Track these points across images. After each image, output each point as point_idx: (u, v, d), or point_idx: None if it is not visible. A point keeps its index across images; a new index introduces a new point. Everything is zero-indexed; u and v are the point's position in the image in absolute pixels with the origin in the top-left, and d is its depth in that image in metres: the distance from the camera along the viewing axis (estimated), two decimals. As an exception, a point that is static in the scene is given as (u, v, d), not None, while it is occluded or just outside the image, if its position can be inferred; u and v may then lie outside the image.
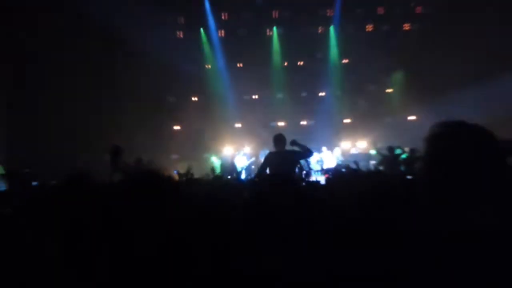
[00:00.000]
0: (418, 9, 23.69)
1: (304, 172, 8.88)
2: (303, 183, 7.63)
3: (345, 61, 24.91)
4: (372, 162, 19.78)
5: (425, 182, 2.28)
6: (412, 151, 17.67)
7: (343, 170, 8.67)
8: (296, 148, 11.45)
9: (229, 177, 14.82)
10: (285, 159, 11.00)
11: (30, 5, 18.54)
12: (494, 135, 2.23)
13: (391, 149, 18.41)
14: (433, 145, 2.28)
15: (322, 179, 7.65)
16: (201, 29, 24.14)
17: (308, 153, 12.07)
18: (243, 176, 16.27)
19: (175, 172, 14.05)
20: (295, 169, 11.36)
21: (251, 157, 20.26)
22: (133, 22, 19.76)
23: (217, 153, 22.25)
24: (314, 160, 19.65)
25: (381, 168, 17.56)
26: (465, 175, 2.15)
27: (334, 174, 6.91)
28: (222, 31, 24.09)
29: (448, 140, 2.24)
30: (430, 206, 2.24)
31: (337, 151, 21.62)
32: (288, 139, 11.44)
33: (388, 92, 25.14)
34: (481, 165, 2.15)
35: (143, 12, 20.26)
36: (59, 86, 20.21)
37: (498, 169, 2.16)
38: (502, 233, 2.07)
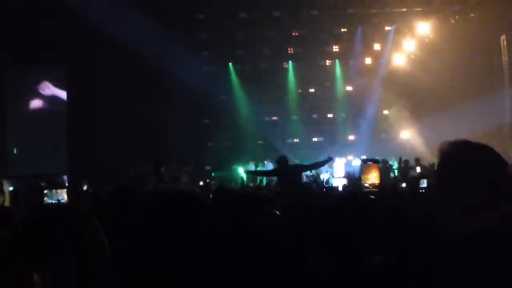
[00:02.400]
0: (407, 45, 23.41)
1: (325, 180, 8.89)
2: (324, 189, 7.62)
3: (348, 88, 24.84)
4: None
5: (440, 189, 2.21)
6: (405, 162, 17.48)
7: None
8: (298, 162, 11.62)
9: (251, 184, 14.73)
10: (292, 172, 11.11)
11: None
12: (494, 150, 2.15)
13: (384, 161, 18.29)
14: (444, 161, 2.17)
15: (339, 184, 7.61)
16: (230, 64, 24.20)
17: (316, 165, 12.19)
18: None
19: None
20: (300, 178, 11.44)
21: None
22: (177, 58, 19.82)
23: (244, 165, 22.19)
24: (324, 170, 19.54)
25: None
26: (472, 184, 2.06)
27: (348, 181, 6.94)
28: (248, 65, 24.10)
29: (458, 157, 2.15)
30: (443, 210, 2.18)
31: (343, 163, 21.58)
32: (302, 153, 11.56)
33: (384, 114, 24.93)
34: (486, 175, 2.07)
35: (184, 49, 20.31)
36: (116, 111, 20.29)
37: (499, 177, 2.08)
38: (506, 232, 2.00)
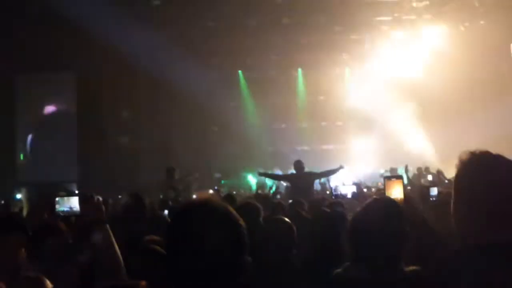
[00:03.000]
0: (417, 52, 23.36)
1: (333, 188, 8.92)
2: (333, 196, 7.69)
3: (357, 96, 24.82)
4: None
5: (457, 199, 2.18)
6: (418, 169, 17.42)
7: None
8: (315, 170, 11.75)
9: (259, 191, 14.73)
10: (304, 179, 11.23)
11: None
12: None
13: (392, 170, 18.23)
14: (464, 170, 2.18)
15: (348, 192, 7.66)
16: (239, 71, 24.28)
17: (329, 173, 12.29)
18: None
19: None
20: (313, 185, 11.54)
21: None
22: (186, 65, 19.91)
23: (253, 172, 22.20)
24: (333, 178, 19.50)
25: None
26: (491, 196, 2.05)
27: (357, 189, 7.01)
28: (257, 72, 24.12)
29: (476, 169, 2.14)
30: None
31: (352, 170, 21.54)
32: (311, 161, 11.71)
33: (393, 121, 24.89)
34: (506, 187, 2.06)
35: (193, 56, 20.40)
36: (124, 117, 20.38)
37: None
38: None
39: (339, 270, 2.86)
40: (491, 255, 1.98)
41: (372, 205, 2.87)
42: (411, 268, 2.65)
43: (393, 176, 3.51)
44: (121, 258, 2.99)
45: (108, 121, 20.57)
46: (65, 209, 3.35)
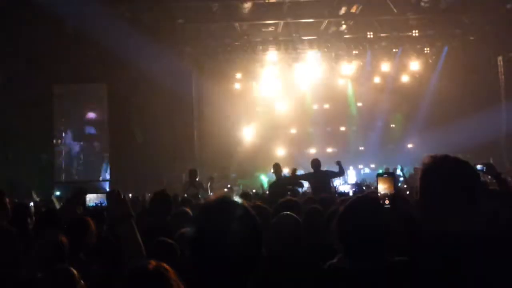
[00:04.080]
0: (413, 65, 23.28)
1: (337, 186, 8.99)
2: (336, 194, 7.70)
3: (359, 104, 24.83)
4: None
5: (421, 195, 2.38)
6: (415, 170, 17.32)
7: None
8: (330, 168, 11.67)
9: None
10: (322, 177, 11.22)
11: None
12: (468, 163, 2.37)
13: (387, 169, 18.15)
14: (426, 172, 2.38)
15: (349, 191, 7.73)
16: (253, 83, 24.32)
17: (341, 172, 12.20)
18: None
19: None
20: (329, 183, 11.44)
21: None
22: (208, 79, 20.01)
23: (265, 172, 22.23)
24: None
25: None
26: (448, 193, 2.24)
27: (358, 188, 7.01)
28: (269, 84, 24.09)
29: (436, 170, 2.34)
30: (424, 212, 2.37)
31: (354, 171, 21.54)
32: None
33: (391, 126, 24.91)
34: (460, 184, 2.26)
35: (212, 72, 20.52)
36: (151, 124, 20.44)
37: (473, 187, 2.27)
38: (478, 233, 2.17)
39: (333, 261, 2.91)
40: (444, 243, 2.16)
41: (355, 202, 2.87)
42: (396, 258, 2.67)
43: (385, 173, 3.59)
44: (143, 248, 2.97)
45: (136, 127, 20.65)
46: (95, 204, 3.36)
